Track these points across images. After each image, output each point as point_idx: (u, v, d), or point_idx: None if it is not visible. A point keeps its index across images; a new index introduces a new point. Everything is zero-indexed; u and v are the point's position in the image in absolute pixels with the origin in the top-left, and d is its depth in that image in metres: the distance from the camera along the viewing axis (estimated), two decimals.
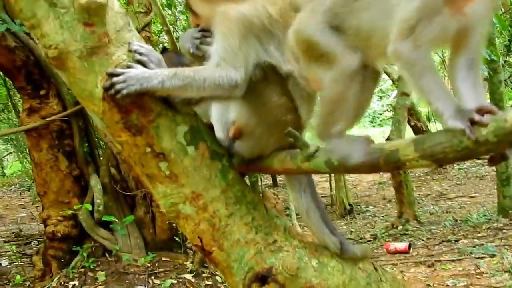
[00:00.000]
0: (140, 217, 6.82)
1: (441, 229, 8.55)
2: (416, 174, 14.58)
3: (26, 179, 15.12)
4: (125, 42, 2.17)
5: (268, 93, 2.34)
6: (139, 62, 2.14)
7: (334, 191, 12.62)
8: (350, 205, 11.76)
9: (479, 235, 7.41)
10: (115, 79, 2.05)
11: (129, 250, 6.69)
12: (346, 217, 11.40)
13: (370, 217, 11.20)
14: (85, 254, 6.61)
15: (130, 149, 2.26)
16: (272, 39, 2.29)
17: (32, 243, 10.62)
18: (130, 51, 2.16)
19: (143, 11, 6.98)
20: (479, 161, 14.84)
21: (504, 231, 7.25)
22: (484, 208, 9.74)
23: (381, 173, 15.74)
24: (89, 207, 6.53)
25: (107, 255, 6.72)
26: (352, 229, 10.30)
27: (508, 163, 7.87)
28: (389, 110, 21.87)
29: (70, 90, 7.29)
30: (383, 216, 11.15)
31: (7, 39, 6.42)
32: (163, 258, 6.75)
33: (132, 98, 2.09)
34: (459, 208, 10.41)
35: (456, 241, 7.40)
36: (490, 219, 8.08)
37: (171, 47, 4.58)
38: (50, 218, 6.83)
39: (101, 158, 7.33)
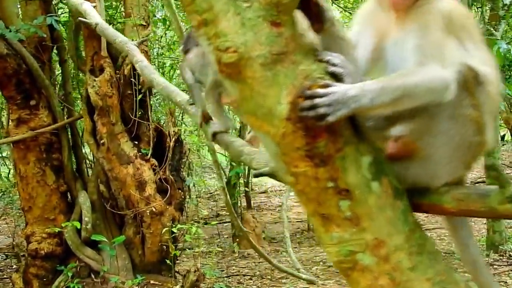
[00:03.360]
0: (129, 237, 6.55)
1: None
2: None
3: None
4: (310, 49, 1.77)
5: (460, 103, 1.86)
6: (333, 75, 1.73)
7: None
8: None
9: None
10: (317, 100, 1.63)
11: (116, 272, 6.41)
12: None
13: None
14: (69, 274, 6.34)
15: (307, 183, 1.81)
16: (471, 39, 1.91)
17: (0, 257, 10.16)
18: (320, 60, 1.75)
19: (142, 24, 6.79)
20: None
21: (495, 266, 7.22)
22: None
23: None
24: (78, 224, 6.25)
25: (93, 276, 6.44)
26: None
27: None
28: None
29: (76, 101, 7.12)
30: None
31: None
32: (152, 281, 6.49)
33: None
34: (439, 240, 10.38)
35: None
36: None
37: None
38: (34, 234, 6.51)
39: (90, 175, 7.06)
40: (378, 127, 1.85)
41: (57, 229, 6.29)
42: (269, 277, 9.11)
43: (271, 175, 1.71)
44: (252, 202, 14.81)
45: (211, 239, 10.80)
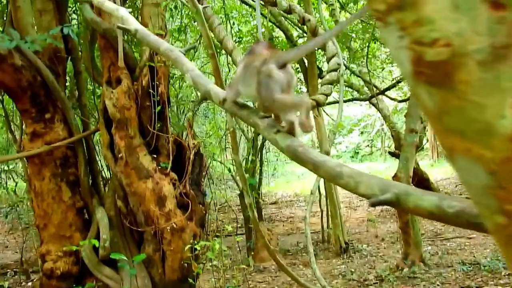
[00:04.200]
0: (149, 255, 6.27)
1: (452, 273, 8.24)
2: None
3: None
4: None
5: None
6: None
7: (326, 227, 12.31)
8: (346, 243, 11.39)
9: (501, 281, 7.10)
10: None
11: None
12: (342, 256, 11.01)
13: (367, 257, 10.83)
14: None
15: None
16: None
17: (8, 273, 9.90)
18: None
19: (160, 33, 6.56)
20: None
21: None
22: (487, 250, 9.50)
23: (370, 209, 15.58)
24: (96, 242, 5.98)
25: None
26: (352, 269, 9.93)
27: None
28: (369, 145, 21.86)
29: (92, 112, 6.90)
30: (381, 256, 10.80)
31: (14, 57, 5.92)
32: None
33: None
34: (459, 249, 10.14)
35: (478, 287, 7.08)
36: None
37: (215, 74, 4.18)
38: (50, 253, 6.25)
39: (107, 190, 6.81)
40: None
41: (74, 247, 6.02)
42: None
43: (394, 203, 1.43)
44: (263, 213, 14.59)
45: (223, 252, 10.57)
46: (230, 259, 9.97)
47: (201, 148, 6.80)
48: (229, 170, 11.02)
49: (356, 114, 20.02)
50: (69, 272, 6.26)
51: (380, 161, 22.66)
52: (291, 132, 1.96)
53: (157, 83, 6.35)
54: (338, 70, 6.21)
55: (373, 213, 15.29)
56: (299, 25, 10.11)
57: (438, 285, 7.72)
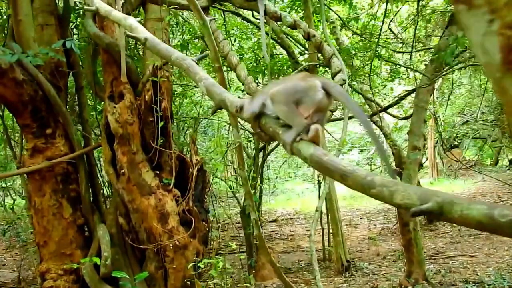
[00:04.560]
0: (151, 272, 6.14)
1: None
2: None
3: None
4: None
5: None
6: None
7: (328, 246, 12.17)
8: (347, 261, 11.24)
9: None
10: None
11: None
12: (343, 274, 10.86)
13: (369, 275, 10.68)
14: None
15: None
16: None
17: None
18: None
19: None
20: None
21: None
22: (490, 269, 9.38)
23: (371, 227, 15.46)
24: (97, 260, 5.85)
25: None
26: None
27: None
28: (369, 163, 21.74)
29: (80, 129, 6.81)
30: (383, 274, 10.65)
31: (15, 71, 5.83)
32: None
33: None
34: (462, 268, 10.01)
35: None
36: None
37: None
38: (50, 271, 6.11)
39: (108, 206, 6.69)
40: None
41: (75, 265, 5.88)
42: None
43: (437, 213, 1.34)
44: (263, 231, 14.44)
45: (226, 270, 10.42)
46: (231, 277, 9.84)
47: (203, 164, 6.69)
48: (230, 188, 10.90)
49: (356, 132, 19.95)
50: None
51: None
52: (314, 140, 1.87)
53: (160, 98, 6.27)
54: (343, 86, 6.15)
55: (374, 231, 15.16)
56: (303, 40, 10.07)
57: None
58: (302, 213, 18.31)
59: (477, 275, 9.11)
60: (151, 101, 6.26)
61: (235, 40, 11.47)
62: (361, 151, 21.34)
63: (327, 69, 11.30)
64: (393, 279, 9.89)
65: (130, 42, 7.08)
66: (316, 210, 6.31)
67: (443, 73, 8.34)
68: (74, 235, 6.26)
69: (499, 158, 21.74)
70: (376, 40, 9.39)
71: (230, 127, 13.59)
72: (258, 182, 11.56)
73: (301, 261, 12.41)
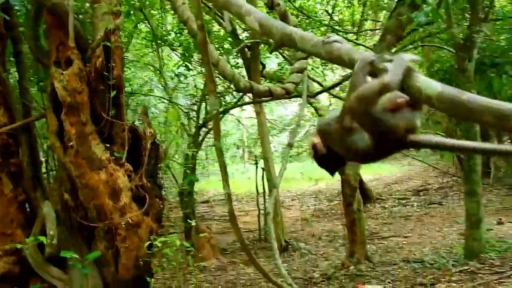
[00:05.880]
0: (101, 252, 5.72)
1: (399, 270, 8.21)
2: (338, 212, 14.40)
3: None
4: None
5: None
6: None
7: (264, 226, 12.07)
8: (285, 241, 11.20)
9: (454, 278, 7.09)
10: None
11: None
12: (282, 254, 10.79)
13: (308, 255, 10.68)
14: None
15: None
16: None
17: None
18: None
19: (113, 11, 6.03)
20: (403, 201, 15.04)
21: (480, 275, 6.99)
22: (426, 249, 9.60)
23: (304, 208, 15.53)
24: (44, 239, 5.38)
25: None
26: (294, 267, 9.75)
27: (479, 206, 7.75)
28: (297, 146, 21.83)
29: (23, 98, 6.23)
30: (321, 254, 10.69)
31: None
32: None
33: None
34: (398, 248, 10.20)
35: (432, 285, 7.04)
36: (456, 262, 7.83)
37: (202, 48, 3.80)
38: None
39: (52, 182, 6.19)
40: None
41: (18, 245, 5.38)
42: None
43: None
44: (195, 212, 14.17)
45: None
46: (167, 259, 9.53)
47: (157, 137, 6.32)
48: (168, 167, 10.54)
49: (288, 115, 19.96)
50: (10, 273, 5.61)
51: (309, 162, 22.75)
52: None
53: (113, 65, 5.82)
54: (307, 58, 5.95)
55: (306, 213, 15.24)
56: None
57: (389, 282, 7.65)
58: (234, 194, 18.14)
59: (414, 254, 9.30)
60: (102, 69, 5.80)
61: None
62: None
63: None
64: (332, 258, 9.93)
65: (79, 3, 6.55)
66: (274, 187, 6.12)
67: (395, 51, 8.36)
68: (14, 213, 5.73)
69: None
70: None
71: (166, 104, 13.16)
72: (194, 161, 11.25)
73: (236, 241, 12.25)
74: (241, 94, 12.11)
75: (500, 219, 10.81)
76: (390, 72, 1.46)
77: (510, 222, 10.64)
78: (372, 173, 18.47)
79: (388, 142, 1.58)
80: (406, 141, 1.53)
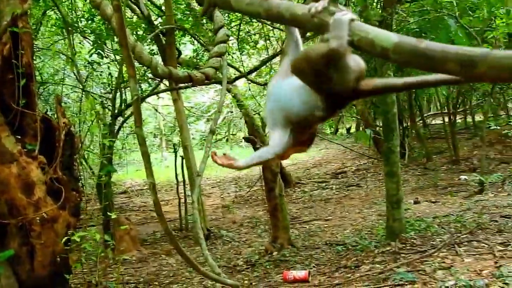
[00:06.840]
0: (15, 250, 5.41)
1: (323, 254, 8.35)
2: (259, 198, 14.48)
3: None
4: None
5: None
6: None
7: (185, 215, 11.94)
8: (207, 229, 11.13)
9: (377, 259, 7.24)
10: None
11: None
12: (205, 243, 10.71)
13: (230, 242, 10.67)
14: None
15: None
16: None
17: None
18: None
19: None
20: (322, 184, 15.32)
21: (403, 255, 7.17)
22: (347, 231, 9.80)
23: (224, 196, 15.49)
24: None
25: None
26: (218, 255, 9.70)
27: (399, 186, 7.97)
28: (215, 133, 21.78)
29: None
30: (244, 241, 10.71)
31: None
32: None
33: None
34: (320, 231, 10.34)
35: (356, 267, 7.17)
36: (378, 243, 8.01)
37: (119, 33, 3.62)
38: None
39: None
40: None
41: None
42: (156, 283, 8.44)
43: None
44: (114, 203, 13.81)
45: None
46: (86, 253, 9.24)
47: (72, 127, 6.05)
48: (84, 158, 10.17)
49: (206, 102, 19.81)
50: None
51: (227, 148, 22.80)
52: None
53: (22, 52, 5.50)
54: (226, 42, 5.85)
55: (227, 200, 15.23)
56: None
57: (313, 266, 7.74)
58: None
59: (336, 237, 9.44)
60: (9, 56, 5.46)
61: None
62: (208, 120, 21.29)
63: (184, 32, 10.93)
64: (255, 245, 9.95)
65: None
66: (198, 175, 5.99)
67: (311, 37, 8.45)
68: None
69: (338, 127, 23.01)
70: None
71: (79, 94, 12.68)
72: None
73: (156, 232, 12.08)
74: (157, 81, 11.87)
75: (417, 198, 11.18)
76: (335, 36, 1.42)
77: (426, 201, 11.02)
78: (290, 158, 18.71)
79: (338, 95, 1.57)
80: (358, 90, 1.52)
